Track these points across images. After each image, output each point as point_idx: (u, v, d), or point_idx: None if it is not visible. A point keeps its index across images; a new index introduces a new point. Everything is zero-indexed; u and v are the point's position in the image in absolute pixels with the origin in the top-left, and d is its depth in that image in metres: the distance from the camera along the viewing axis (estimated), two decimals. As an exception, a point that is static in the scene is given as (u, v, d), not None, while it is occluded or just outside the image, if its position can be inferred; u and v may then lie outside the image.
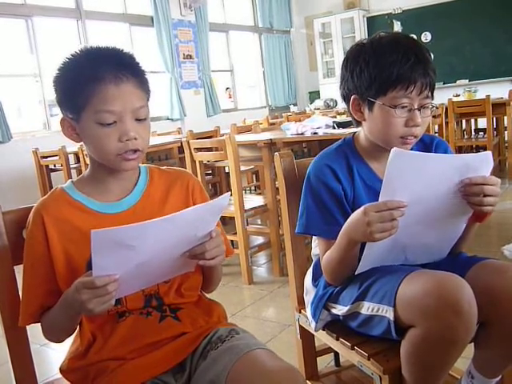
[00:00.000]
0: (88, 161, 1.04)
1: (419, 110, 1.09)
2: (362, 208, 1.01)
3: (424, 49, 1.11)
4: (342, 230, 1.08)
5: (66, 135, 1.01)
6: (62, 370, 1.02)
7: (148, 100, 1.01)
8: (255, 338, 1.02)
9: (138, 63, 1.00)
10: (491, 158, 1.02)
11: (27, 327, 1.05)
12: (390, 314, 1.02)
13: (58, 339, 1.02)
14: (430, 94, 1.10)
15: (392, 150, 0.95)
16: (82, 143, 1.01)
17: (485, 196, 1.01)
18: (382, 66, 1.08)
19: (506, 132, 5.21)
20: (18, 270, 1.04)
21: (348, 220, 1.07)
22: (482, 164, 1.02)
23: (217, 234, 0.93)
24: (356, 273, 1.11)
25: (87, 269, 0.95)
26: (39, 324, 1.00)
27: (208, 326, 1.04)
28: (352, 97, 1.16)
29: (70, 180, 1.07)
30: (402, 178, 0.97)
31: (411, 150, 1.21)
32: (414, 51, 1.08)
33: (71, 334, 1.01)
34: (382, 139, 1.15)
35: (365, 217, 0.99)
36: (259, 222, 4.12)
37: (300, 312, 1.38)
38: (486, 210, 1.03)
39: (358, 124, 1.21)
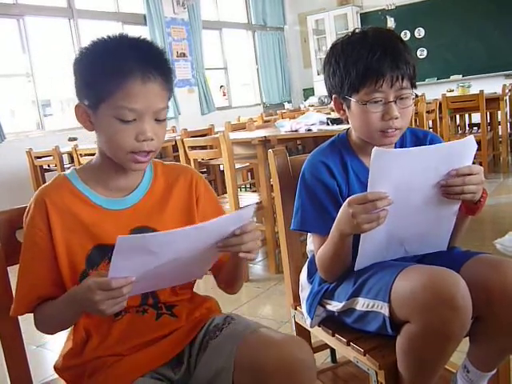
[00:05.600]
0: (83, 161, 1.03)
1: (395, 102, 1.09)
2: (346, 200, 1.02)
3: (395, 40, 1.10)
4: (333, 224, 1.08)
5: (80, 121, 0.97)
6: (56, 368, 1.01)
7: (169, 100, 0.97)
8: (251, 321, 1.01)
9: (167, 60, 0.96)
10: (474, 142, 1.01)
11: (23, 329, 1.05)
12: (385, 310, 1.02)
13: (52, 332, 0.99)
14: (406, 84, 1.09)
15: (373, 150, 0.95)
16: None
17: (466, 185, 1.00)
18: (349, 64, 1.09)
19: (499, 127, 5.22)
20: (12, 271, 1.03)
21: (338, 214, 1.07)
22: (467, 149, 1.01)
23: (252, 227, 0.88)
24: (355, 269, 1.10)
25: (87, 264, 0.95)
26: (33, 323, 0.98)
27: (202, 317, 1.04)
28: (333, 96, 1.18)
29: (73, 167, 1.04)
30: (386, 176, 0.97)
31: (406, 145, 1.22)
32: (382, 44, 1.07)
33: (67, 328, 0.99)
34: (364, 135, 1.16)
35: (349, 209, 0.99)
36: (255, 220, 4.12)
37: (296, 309, 1.38)
38: (465, 198, 1.02)
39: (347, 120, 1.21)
